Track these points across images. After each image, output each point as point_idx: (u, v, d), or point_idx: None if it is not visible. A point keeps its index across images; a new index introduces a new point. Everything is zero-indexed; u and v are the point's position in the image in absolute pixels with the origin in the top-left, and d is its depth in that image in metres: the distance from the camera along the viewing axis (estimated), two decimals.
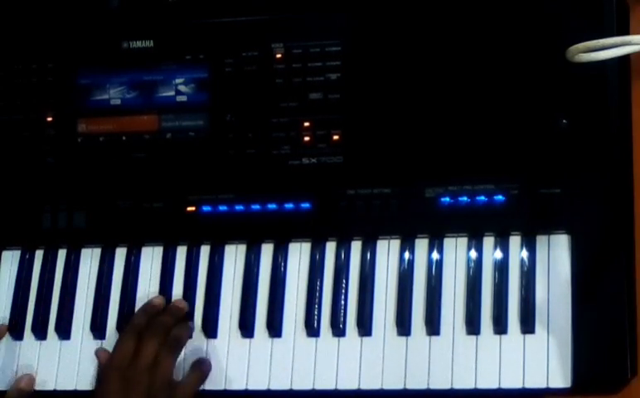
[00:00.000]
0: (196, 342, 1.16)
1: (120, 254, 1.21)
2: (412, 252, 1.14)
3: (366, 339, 1.13)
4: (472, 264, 1.12)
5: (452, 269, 1.13)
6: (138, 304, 1.19)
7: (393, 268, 1.14)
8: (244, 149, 1.18)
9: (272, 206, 1.17)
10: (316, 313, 1.14)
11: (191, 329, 1.17)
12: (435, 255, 1.13)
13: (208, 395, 1.15)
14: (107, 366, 1.14)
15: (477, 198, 1.12)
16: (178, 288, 1.19)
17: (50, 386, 1.19)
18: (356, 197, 1.15)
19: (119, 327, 1.18)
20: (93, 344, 1.19)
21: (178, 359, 1.15)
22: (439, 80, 1.15)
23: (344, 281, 1.15)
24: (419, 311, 1.12)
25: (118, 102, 1.22)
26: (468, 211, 1.13)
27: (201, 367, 1.15)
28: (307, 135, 1.17)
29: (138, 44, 1.21)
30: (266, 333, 1.15)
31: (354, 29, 1.17)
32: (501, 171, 1.12)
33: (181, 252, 1.20)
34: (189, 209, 1.19)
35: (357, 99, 1.17)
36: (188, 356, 1.16)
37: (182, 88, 1.20)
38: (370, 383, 1.11)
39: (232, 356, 1.15)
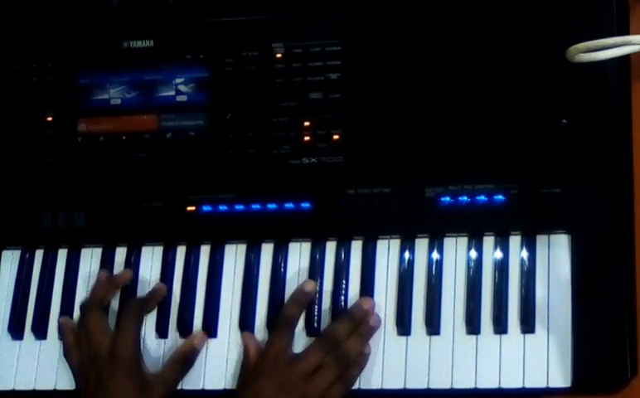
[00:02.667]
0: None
1: (120, 254, 1.21)
2: (412, 252, 1.14)
3: None
4: (472, 264, 1.12)
5: (452, 269, 1.13)
6: None
7: (393, 268, 1.14)
8: (244, 149, 1.18)
9: (272, 205, 1.17)
10: (316, 312, 1.14)
11: (368, 348, 1.11)
12: (435, 255, 1.13)
13: (208, 394, 1.15)
14: (259, 362, 1.11)
15: (477, 198, 1.12)
16: (178, 287, 1.18)
17: (50, 386, 1.18)
18: (356, 197, 1.15)
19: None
20: None
21: None
22: (439, 80, 1.15)
23: (344, 281, 1.15)
24: (419, 311, 1.12)
25: (118, 102, 1.22)
26: (468, 210, 1.13)
27: (347, 377, 1.10)
28: (307, 135, 1.17)
29: (138, 44, 1.21)
30: (266, 333, 1.15)
31: (354, 29, 1.17)
32: (501, 171, 1.12)
33: (181, 252, 1.20)
34: (189, 209, 1.19)
35: (357, 99, 1.17)
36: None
37: (182, 88, 1.20)
38: (371, 383, 1.11)
39: (232, 355, 1.15)
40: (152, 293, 1.18)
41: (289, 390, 1.08)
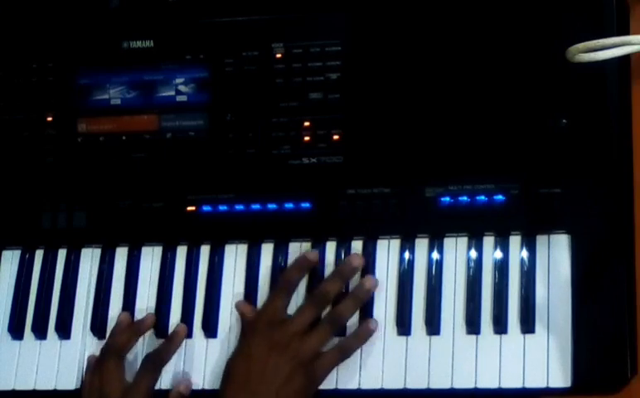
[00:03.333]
0: (196, 342, 1.16)
1: (120, 254, 1.21)
2: (412, 252, 1.14)
3: None
4: (472, 264, 1.12)
5: (452, 269, 1.13)
6: (138, 304, 1.19)
7: (393, 268, 1.14)
8: (244, 149, 1.18)
9: (272, 205, 1.17)
10: None
11: (374, 323, 1.11)
12: (435, 255, 1.13)
13: (208, 394, 1.15)
14: (254, 321, 1.12)
15: (477, 198, 1.12)
16: (178, 287, 1.18)
17: (50, 386, 1.18)
18: (356, 197, 1.15)
19: None
20: (93, 344, 1.18)
21: None
22: (439, 80, 1.15)
23: None
24: (419, 311, 1.12)
25: (118, 102, 1.22)
26: (468, 211, 1.13)
27: (347, 347, 1.11)
28: (307, 135, 1.17)
29: (138, 44, 1.21)
30: None
31: (354, 29, 1.17)
32: (501, 171, 1.12)
33: (181, 252, 1.20)
34: (189, 209, 1.19)
35: (357, 99, 1.17)
36: (187, 359, 1.16)
37: (182, 88, 1.20)
38: (370, 383, 1.11)
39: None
40: (171, 338, 1.16)
41: (281, 350, 1.09)
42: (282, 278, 1.14)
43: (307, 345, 1.10)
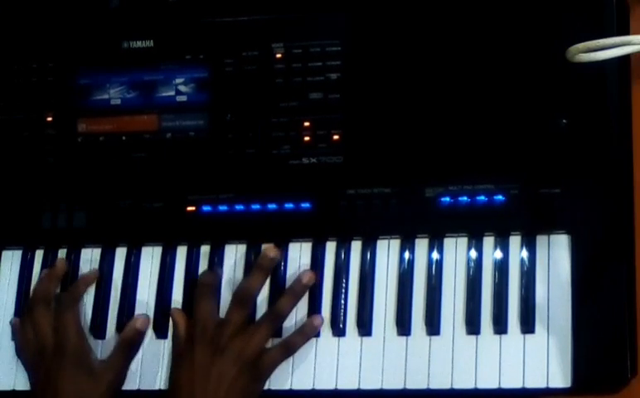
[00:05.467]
0: None
1: (120, 254, 1.21)
2: (412, 252, 1.14)
3: (366, 339, 1.13)
4: (472, 264, 1.12)
5: (452, 269, 1.13)
6: (138, 304, 1.19)
7: (393, 268, 1.14)
8: (244, 149, 1.18)
9: (272, 205, 1.17)
10: (316, 312, 1.14)
11: (318, 320, 1.12)
12: (435, 255, 1.13)
13: None
14: (193, 324, 1.12)
15: (477, 198, 1.12)
16: (178, 288, 1.18)
17: None
18: (356, 197, 1.15)
19: (119, 327, 1.18)
20: (93, 344, 1.18)
21: None
22: (439, 80, 1.15)
23: (344, 281, 1.15)
24: (419, 311, 1.12)
25: (118, 102, 1.22)
26: (468, 211, 1.13)
27: (292, 344, 1.12)
28: (307, 135, 1.17)
29: (138, 44, 1.21)
30: None
31: (354, 29, 1.17)
32: (501, 171, 1.12)
33: (181, 252, 1.20)
34: (189, 209, 1.19)
35: (357, 99, 1.17)
36: None
37: (182, 88, 1.20)
38: (370, 383, 1.11)
39: None
40: (82, 278, 1.19)
41: (222, 353, 1.09)
42: (200, 282, 1.15)
43: (249, 343, 1.10)
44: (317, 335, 1.14)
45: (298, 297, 1.13)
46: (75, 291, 1.18)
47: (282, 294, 1.13)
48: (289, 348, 1.12)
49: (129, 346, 1.15)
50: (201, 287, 1.14)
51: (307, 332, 1.12)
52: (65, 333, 1.14)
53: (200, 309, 1.13)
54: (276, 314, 1.13)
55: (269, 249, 1.14)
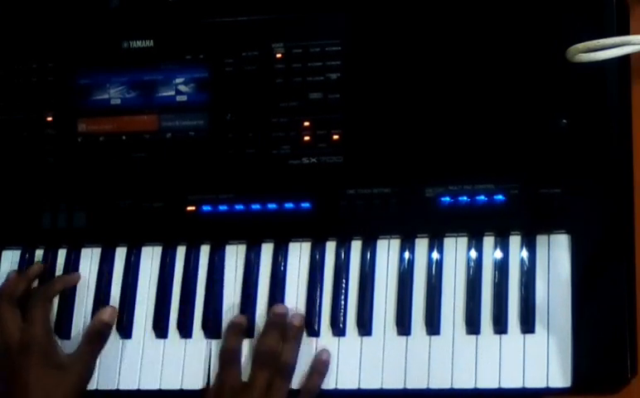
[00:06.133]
0: (196, 343, 1.16)
1: (120, 254, 1.21)
2: (412, 252, 1.14)
3: (366, 339, 1.13)
4: (472, 264, 1.12)
5: (452, 269, 1.13)
6: (138, 304, 1.19)
7: (393, 268, 1.14)
8: (244, 149, 1.18)
9: (272, 205, 1.17)
10: (316, 312, 1.14)
11: (326, 354, 1.12)
12: (435, 255, 1.13)
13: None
14: (218, 387, 1.12)
15: (477, 198, 1.12)
16: (178, 288, 1.18)
17: None
18: (356, 197, 1.15)
19: (119, 327, 1.18)
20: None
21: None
22: (439, 80, 1.15)
23: (344, 281, 1.15)
24: (419, 311, 1.12)
25: (118, 102, 1.22)
26: (468, 210, 1.13)
27: (310, 389, 1.11)
28: (307, 135, 1.17)
29: (138, 44, 1.21)
30: None
31: (354, 29, 1.17)
32: (501, 171, 1.12)
33: (181, 252, 1.20)
34: (189, 209, 1.19)
35: (357, 99, 1.17)
36: (187, 359, 1.16)
37: (182, 88, 1.20)
38: (370, 383, 1.11)
39: None
40: (61, 276, 1.19)
41: None
42: (224, 349, 1.13)
43: None
44: (317, 335, 1.14)
45: (298, 341, 1.12)
46: (49, 289, 1.18)
47: (284, 346, 1.12)
48: (312, 393, 1.11)
49: (96, 338, 1.15)
50: (227, 353, 1.13)
51: (322, 370, 1.12)
52: (31, 329, 1.13)
53: (226, 375, 1.12)
54: (285, 369, 1.11)
55: (278, 307, 1.13)
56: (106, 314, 1.16)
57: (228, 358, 1.13)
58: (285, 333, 1.13)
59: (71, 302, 1.20)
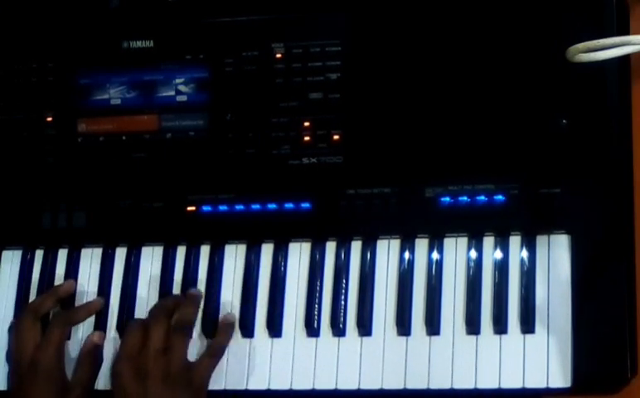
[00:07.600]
0: (196, 342, 1.16)
1: (120, 254, 1.21)
2: (412, 252, 1.14)
3: (366, 339, 1.13)
4: (472, 264, 1.12)
5: (452, 269, 1.13)
6: (138, 304, 1.19)
7: (393, 268, 1.14)
8: (244, 149, 1.18)
9: (272, 205, 1.17)
10: (316, 312, 1.14)
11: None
12: (435, 255, 1.13)
13: (210, 395, 1.14)
14: (117, 360, 1.13)
15: (477, 198, 1.12)
16: (178, 288, 1.18)
17: None
18: (356, 197, 1.15)
19: (119, 326, 1.18)
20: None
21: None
22: (439, 80, 1.15)
23: (344, 281, 1.15)
24: (419, 311, 1.12)
25: (118, 102, 1.22)
26: (468, 211, 1.13)
27: (216, 347, 1.13)
28: (307, 135, 1.17)
29: (138, 44, 1.21)
30: (266, 333, 1.15)
31: (354, 29, 1.17)
32: (501, 171, 1.12)
33: (181, 252, 1.20)
34: (189, 209, 1.19)
35: (357, 99, 1.17)
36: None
37: (182, 88, 1.20)
38: (370, 383, 1.11)
39: (232, 355, 1.15)
40: (86, 304, 1.19)
41: (150, 375, 1.09)
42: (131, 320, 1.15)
43: (171, 359, 1.10)
44: (317, 335, 1.14)
45: (197, 303, 1.15)
46: (73, 316, 1.18)
47: (183, 304, 1.14)
48: (217, 352, 1.13)
49: (89, 359, 1.16)
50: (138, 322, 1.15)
51: (227, 330, 1.14)
52: (44, 349, 1.14)
53: (127, 336, 1.13)
54: (182, 324, 1.13)
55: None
56: (95, 336, 1.17)
57: (132, 323, 1.14)
58: (187, 295, 1.16)
59: (71, 301, 1.20)
